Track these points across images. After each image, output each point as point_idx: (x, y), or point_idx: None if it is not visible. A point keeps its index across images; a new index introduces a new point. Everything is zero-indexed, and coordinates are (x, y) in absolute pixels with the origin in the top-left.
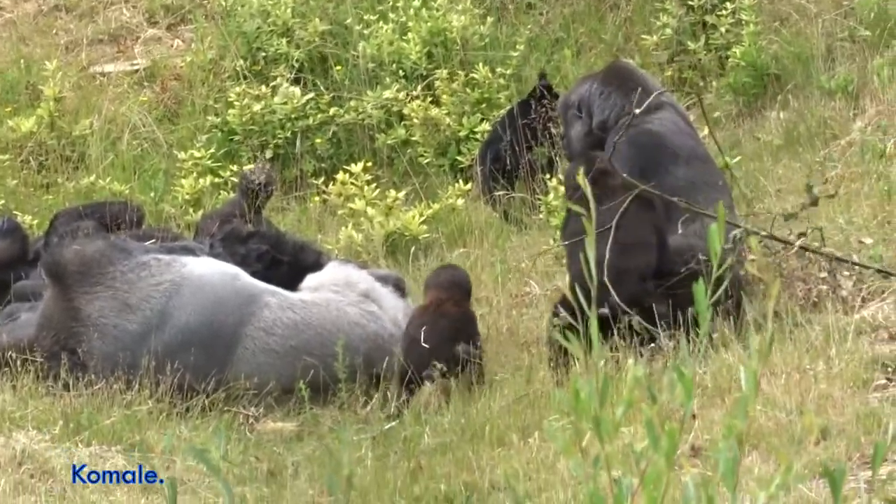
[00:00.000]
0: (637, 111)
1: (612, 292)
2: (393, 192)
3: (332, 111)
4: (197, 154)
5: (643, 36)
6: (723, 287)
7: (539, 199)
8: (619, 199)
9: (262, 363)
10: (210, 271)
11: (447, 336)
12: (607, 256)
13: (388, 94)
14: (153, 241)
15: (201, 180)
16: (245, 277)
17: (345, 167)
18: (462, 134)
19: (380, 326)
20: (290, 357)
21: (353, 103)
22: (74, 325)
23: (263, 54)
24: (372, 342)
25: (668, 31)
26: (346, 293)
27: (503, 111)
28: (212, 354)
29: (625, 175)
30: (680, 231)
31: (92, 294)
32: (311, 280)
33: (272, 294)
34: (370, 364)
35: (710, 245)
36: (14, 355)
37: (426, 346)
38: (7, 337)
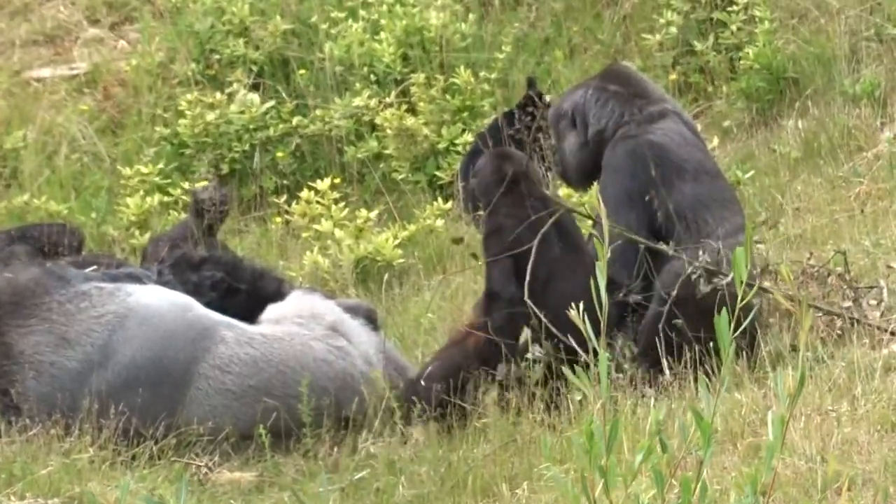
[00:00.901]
0: (637, 120)
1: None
2: (364, 212)
3: (295, 121)
4: (144, 170)
5: (644, 35)
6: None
7: None
8: (538, 212)
9: (218, 405)
10: (158, 302)
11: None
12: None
13: (358, 101)
14: (94, 268)
15: (148, 199)
16: (198, 308)
17: (310, 184)
18: (441, 146)
19: (349, 364)
20: (249, 398)
21: (318, 112)
22: (6, 363)
23: (218, 57)
24: (340, 381)
25: (673, 29)
26: (312, 326)
27: (488, 121)
28: (161, 395)
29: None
30: (671, 252)
31: (26, 328)
32: (272, 312)
33: (228, 327)
34: (338, 406)
35: (736, 270)
36: None
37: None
38: None
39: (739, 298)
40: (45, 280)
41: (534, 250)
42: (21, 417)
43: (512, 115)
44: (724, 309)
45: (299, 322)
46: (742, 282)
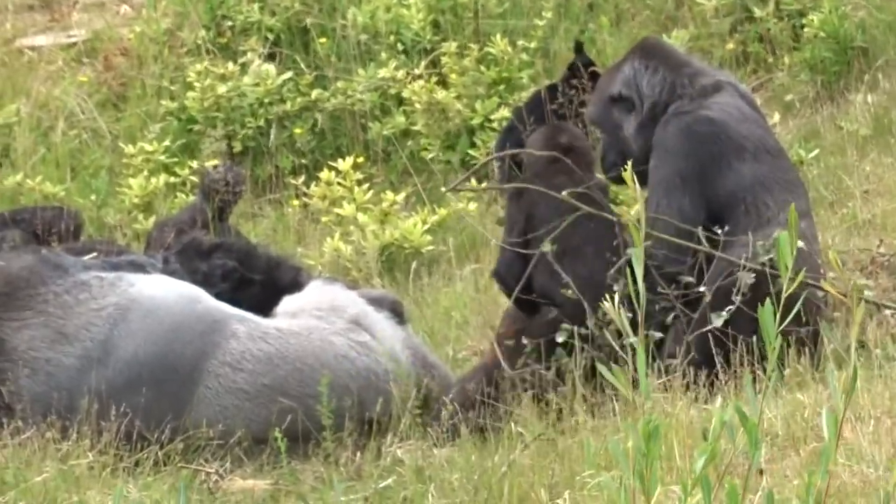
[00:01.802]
0: (690, 94)
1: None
2: (390, 195)
3: (314, 94)
4: (148, 147)
5: (698, 0)
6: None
7: None
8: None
9: (229, 406)
10: (164, 293)
11: None
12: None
13: (383, 72)
14: (94, 255)
15: (153, 180)
16: (207, 300)
17: (330, 164)
18: (475, 122)
19: (372, 360)
20: (263, 398)
21: (340, 85)
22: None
23: (230, 23)
24: (363, 380)
25: None
26: (332, 320)
27: (527, 94)
28: (166, 395)
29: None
30: (749, 237)
31: (19, 321)
32: (288, 304)
33: (240, 321)
34: (361, 407)
35: (781, 258)
36: None
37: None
38: None
39: (784, 289)
40: (39, 268)
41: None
42: (14, 419)
43: (555, 89)
44: (766, 300)
45: (318, 315)
46: (787, 268)
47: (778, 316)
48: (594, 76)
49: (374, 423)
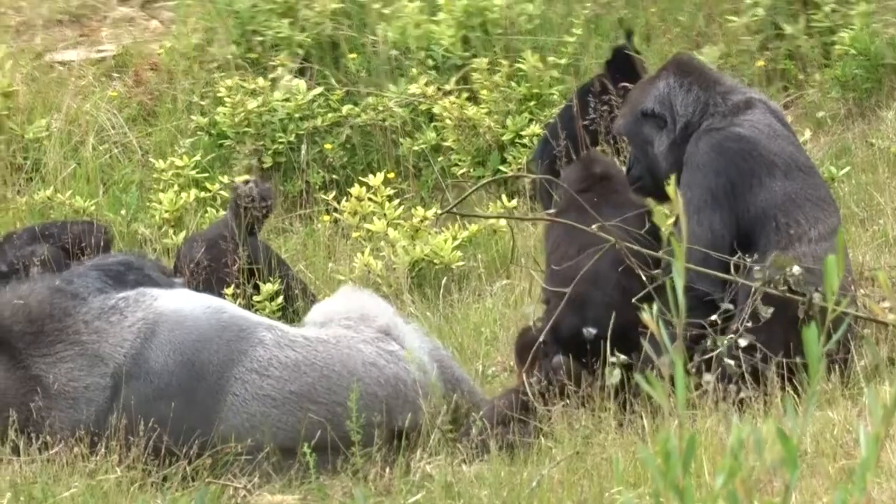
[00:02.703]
0: (722, 111)
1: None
2: (420, 210)
3: (345, 110)
4: (178, 162)
5: (729, 17)
6: (842, 331)
7: None
8: (624, 211)
9: (256, 413)
10: (189, 305)
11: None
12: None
13: (414, 88)
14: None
15: (184, 195)
16: (234, 310)
17: (361, 179)
18: (506, 138)
19: (401, 369)
20: (290, 405)
21: (371, 100)
22: (36, 399)
23: (260, 39)
24: (391, 388)
25: (760, 10)
26: (361, 328)
27: (559, 108)
28: (195, 403)
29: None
30: (775, 254)
31: (53, 356)
32: (317, 312)
33: (268, 329)
34: (390, 416)
35: (827, 280)
36: None
37: None
38: None
39: (830, 311)
40: (58, 301)
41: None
42: (42, 434)
43: (587, 92)
44: (812, 321)
45: (347, 325)
46: (833, 293)
47: (822, 338)
48: (634, 74)
49: (402, 434)
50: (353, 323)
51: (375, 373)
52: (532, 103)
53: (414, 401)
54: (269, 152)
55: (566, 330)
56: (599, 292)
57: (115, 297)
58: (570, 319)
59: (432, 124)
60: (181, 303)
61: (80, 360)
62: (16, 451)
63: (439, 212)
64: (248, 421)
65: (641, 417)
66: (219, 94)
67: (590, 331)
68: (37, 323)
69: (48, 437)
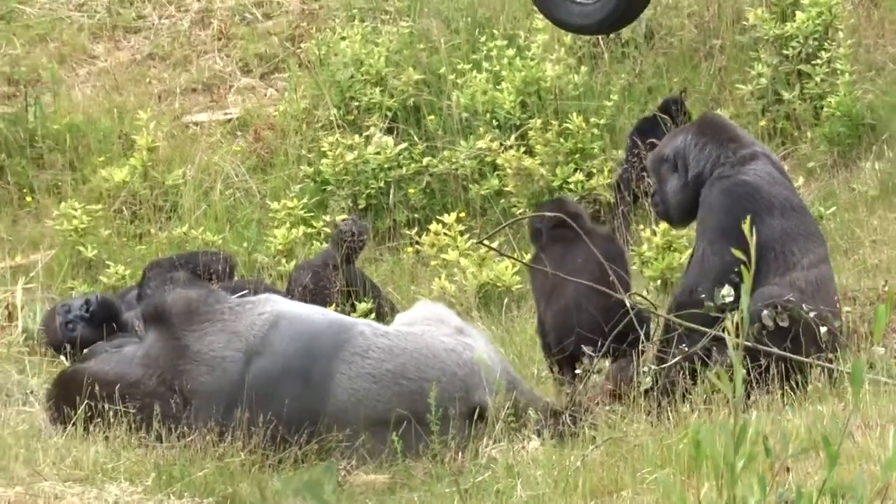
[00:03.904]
0: (731, 162)
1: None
2: (486, 243)
3: (425, 161)
4: (290, 204)
5: (738, 85)
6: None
7: (633, 250)
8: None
9: (359, 388)
10: (302, 307)
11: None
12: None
13: (481, 143)
14: (245, 292)
15: (294, 230)
16: (335, 314)
17: (438, 217)
18: (555, 184)
19: (476, 355)
20: (387, 381)
21: (446, 153)
22: (181, 363)
23: (357, 103)
24: (468, 368)
25: (763, 80)
26: (440, 327)
27: (638, 121)
28: (311, 383)
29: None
30: (775, 281)
31: (200, 331)
32: (402, 317)
33: (365, 325)
34: (467, 391)
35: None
36: (110, 394)
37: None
38: (112, 369)
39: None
40: (208, 294)
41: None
42: (180, 424)
43: (652, 121)
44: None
45: (428, 323)
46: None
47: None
48: (652, 145)
49: (475, 409)
50: (432, 323)
51: (455, 357)
52: (577, 156)
53: (485, 384)
54: (364, 196)
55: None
56: (585, 314)
57: (248, 298)
58: (561, 336)
59: (495, 173)
60: (295, 305)
61: (221, 335)
62: (159, 438)
63: (475, 241)
64: (354, 395)
65: (667, 412)
66: (322, 149)
67: (584, 349)
68: (191, 306)
69: (185, 428)
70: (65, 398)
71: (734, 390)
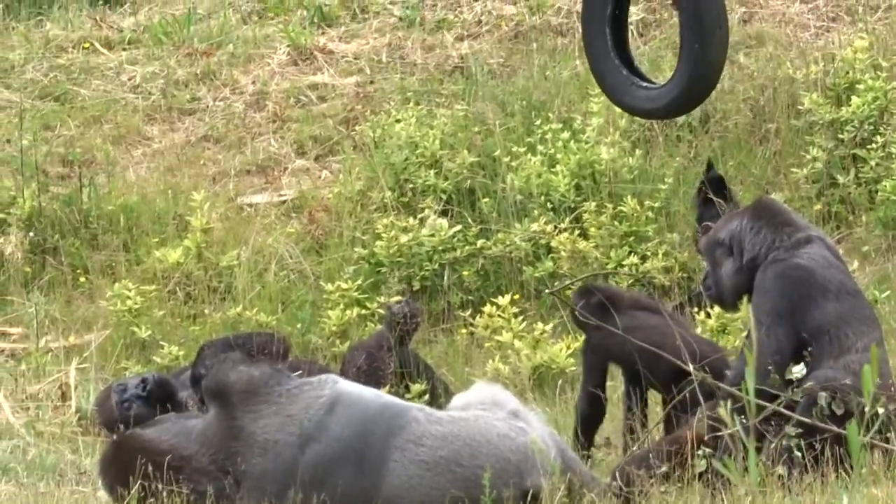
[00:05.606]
0: (786, 246)
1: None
2: (540, 325)
3: (479, 243)
4: (344, 286)
5: (793, 169)
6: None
7: None
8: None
9: (413, 475)
10: (360, 389)
11: None
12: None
13: (535, 226)
14: (299, 372)
15: (348, 312)
16: (388, 396)
17: (492, 300)
18: (610, 267)
19: (529, 440)
20: (441, 468)
21: (500, 235)
22: (234, 444)
23: (411, 186)
24: (521, 454)
25: (818, 164)
26: (495, 411)
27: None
28: (364, 469)
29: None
30: (829, 364)
31: (256, 413)
32: (458, 400)
33: (419, 410)
34: (521, 476)
35: (864, 385)
36: (160, 464)
37: None
38: (168, 439)
39: (869, 408)
40: (271, 374)
41: None
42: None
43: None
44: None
45: (483, 408)
46: (870, 393)
47: (862, 429)
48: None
49: (528, 494)
50: (487, 406)
51: (508, 442)
52: (631, 239)
53: (539, 468)
54: (418, 278)
55: None
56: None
57: (307, 378)
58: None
59: (550, 255)
60: (353, 387)
61: (276, 418)
62: None
63: (547, 291)
64: (408, 482)
65: (721, 495)
66: (377, 231)
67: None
68: (253, 386)
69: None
70: (114, 461)
71: (750, 473)
